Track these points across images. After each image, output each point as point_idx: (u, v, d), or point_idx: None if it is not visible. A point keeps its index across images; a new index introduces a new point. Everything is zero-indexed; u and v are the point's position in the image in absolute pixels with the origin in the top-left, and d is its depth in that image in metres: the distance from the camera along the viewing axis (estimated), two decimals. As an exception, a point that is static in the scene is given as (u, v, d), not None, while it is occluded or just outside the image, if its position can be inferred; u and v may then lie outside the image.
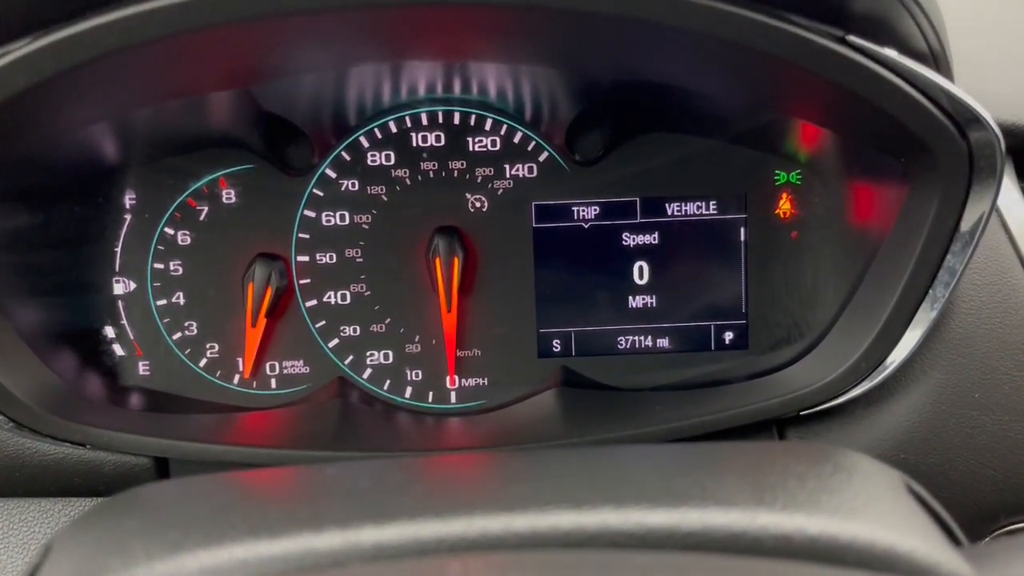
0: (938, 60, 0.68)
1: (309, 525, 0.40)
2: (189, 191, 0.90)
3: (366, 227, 0.90)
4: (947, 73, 0.69)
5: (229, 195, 0.89)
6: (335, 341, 0.91)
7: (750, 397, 0.82)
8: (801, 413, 0.79)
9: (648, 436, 0.79)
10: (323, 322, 0.91)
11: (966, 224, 0.72)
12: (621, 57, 0.76)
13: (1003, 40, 0.95)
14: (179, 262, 0.90)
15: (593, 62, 0.79)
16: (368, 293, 0.91)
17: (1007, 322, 0.78)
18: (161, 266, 0.90)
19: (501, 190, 0.90)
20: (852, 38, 0.65)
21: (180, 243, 0.90)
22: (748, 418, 0.79)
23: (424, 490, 0.47)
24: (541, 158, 0.90)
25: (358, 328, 0.92)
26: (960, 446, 0.77)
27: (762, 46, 0.62)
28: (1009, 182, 0.84)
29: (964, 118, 0.68)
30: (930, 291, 0.74)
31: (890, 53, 0.66)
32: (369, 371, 0.92)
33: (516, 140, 0.90)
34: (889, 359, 0.77)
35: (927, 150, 0.70)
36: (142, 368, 0.91)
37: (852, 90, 0.66)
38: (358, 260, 0.91)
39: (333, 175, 0.90)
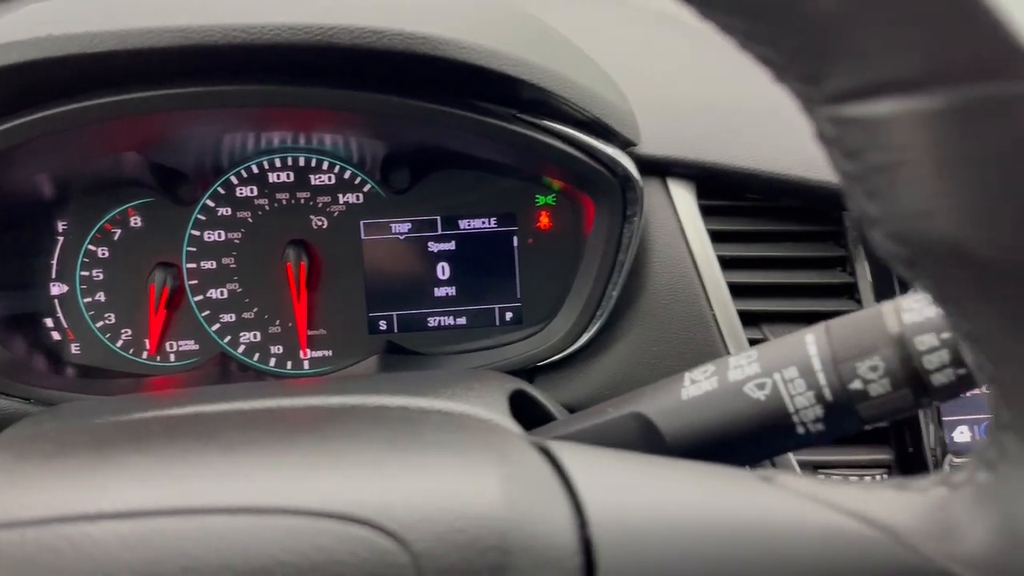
0: (598, 125, 0.96)
1: (159, 406, 0.72)
2: (106, 218, 1.08)
3: (237, 242, 1.11)
4: (606, 133, 0.97)
5: (136, 221, 1.10)
6: (217, 325, 1.11)
7: (510, 354, 1.08)
8: (538, 365, 1.06)
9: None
10: (207, 312, 1.11)
11: (626, 234, 1.01)
12: (413, 133, 1.02)
13: (703, 93, 1.26)
14: (100, 270, 1.09)
15: (394, 132, 1.05)
16: (240, 290, 1.11)
17: (678, 298, 1.04)
18: (87, 273, 1.09)
19: (336, 212, 1.11)
20: (523, 116, 0.92)
21: (100, 256, 1.09)
22: (508, 368, 1.06)
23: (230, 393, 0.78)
24: (365, 189, 1.12)
25: (233, 316, 1.11)
26: (644, 382, 1.03)
27: (456, 127, 0.90)
28: (690, 199, 1.07)
29: (616, 168, 0.98)
30: (611, 279, 1.03)
31: (551, 124, 0.93)
32: (243, 347, 1.12)
33: (346, 176, 1.11)
34: (589, 327, 1.04)
35: (596, 187, 1.00)
36: (74, 348, 1.10)
37: (532, 152, 0.96)
38: (232, 266, 1.10)
39: (212, 204, 1.10)
